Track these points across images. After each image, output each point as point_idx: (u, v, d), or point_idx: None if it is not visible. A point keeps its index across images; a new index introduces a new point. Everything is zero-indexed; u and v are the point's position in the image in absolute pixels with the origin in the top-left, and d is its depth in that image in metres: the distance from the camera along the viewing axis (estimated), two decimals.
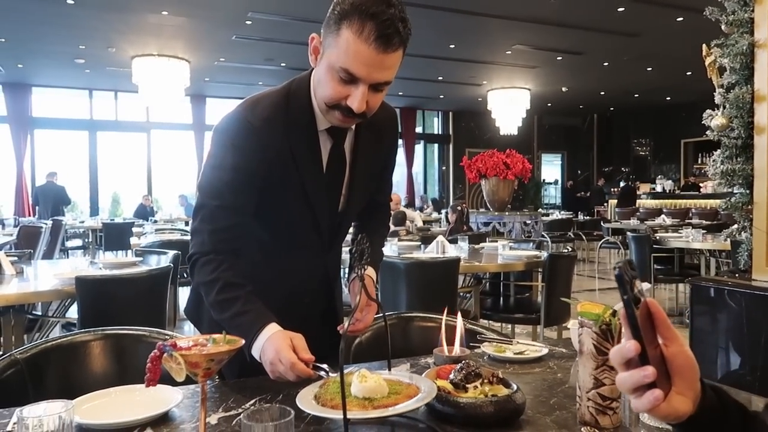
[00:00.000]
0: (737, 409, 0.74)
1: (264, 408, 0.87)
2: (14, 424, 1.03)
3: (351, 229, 1.63)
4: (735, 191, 2.41)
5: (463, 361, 1.19)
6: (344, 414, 0.87)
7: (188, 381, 1.01)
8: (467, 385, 1.12)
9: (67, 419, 0.89)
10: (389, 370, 1.16)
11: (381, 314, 1.31)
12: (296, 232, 1.40)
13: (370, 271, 1.43)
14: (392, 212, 8.23)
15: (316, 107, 1.31)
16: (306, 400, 0.99)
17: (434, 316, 1.79)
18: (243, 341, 0.96)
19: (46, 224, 7.08)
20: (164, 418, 1.10)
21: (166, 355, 0.80)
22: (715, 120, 2.36)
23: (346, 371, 1.00)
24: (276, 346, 1.16)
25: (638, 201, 13.37)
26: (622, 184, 15.34)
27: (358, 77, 1.18)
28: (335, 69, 1.18)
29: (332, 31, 1.18)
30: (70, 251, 8.93)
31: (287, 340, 1.17)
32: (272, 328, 1.20)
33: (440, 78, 12.01)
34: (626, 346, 0.67)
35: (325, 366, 1.13)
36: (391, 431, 1.06)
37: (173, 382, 1.12)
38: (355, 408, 0.94)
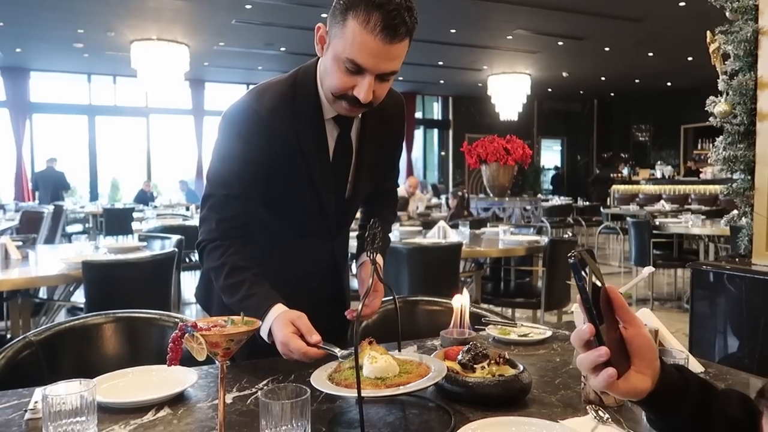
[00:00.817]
0: (698, 385, 0.78)
1: (280, 387, 0.90)
2: (36, 402, 1.06)
3: (358, 215, 1.65)
4: (736, 177, 2.43)
5: (471, 343, 1.22)
6: (358, 391, 0.90)
7: (206, 361, 1.04)
8: (475, 366, 1.15)
9: (89, 397, 0.92)
10: (399, 350, 1.18)
11: (390, 297, 1.33)
12: (304, 219, 1.42)
13: (377, 258, 1.46)
14: (410, 195, 8.24)
15: (323, 96, 1.32)
16: (320, 380, 1.02)
17: (440, 299, 1.82)
18: (260, 322, 0.99)
19: (47, 209, 7.10)
20: (180, 398, 1.13)
21: (188, 335, 0.83)
22: (718, 106, 2.37)
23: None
24: (281, 338, 1.17)
25: (638, 186, 13.37)
26: (625, 171, 15.33)
27: (365, 68, 1.18)
28: (341, 59, 1.19)
29: (338, 22, 1.18)
30: (71, 236, 8.95)
31: (290, 327, 1.17)
32: (277, 310, 1.22)
33: (440, 63, 11.96)
34: (582, 328, 0.73)
35: (333, 348, 1.14)
36: (402, 410, 1.09)
37: (188, 363, 1.15)
38: (368, 387, 0.97)
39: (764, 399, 0.61)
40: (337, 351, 1.12)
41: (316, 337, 1.16)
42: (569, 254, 0.73)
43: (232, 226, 1.31)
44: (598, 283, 0.74)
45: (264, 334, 1.22)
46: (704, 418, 0.76)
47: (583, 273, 0.73)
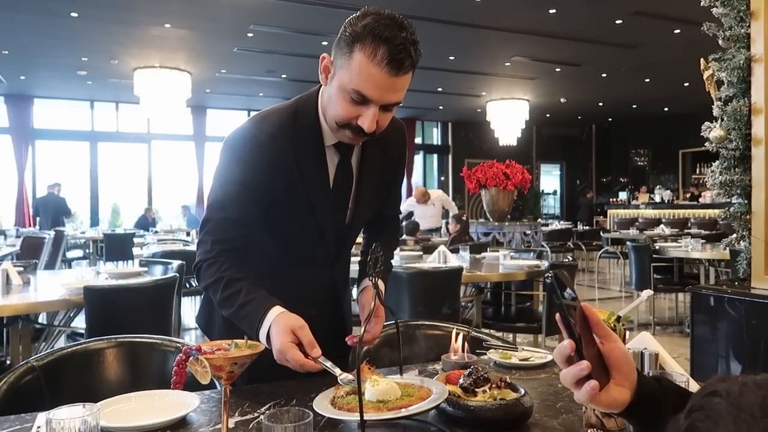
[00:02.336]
0: (676, 394, 0.81)
1: (283, 410, 0.91)
2: (39, 427, 1.06)
3: (359, 240, 1.66)
4: (733, 201, 2.45)
5: (472, 367, 1.23)
6: (361, 415, 0.90)
7: (208, 386, 1.05)
8: (476, 390, 1.16)
9: (93, 422, 0.93)
10: (401, 374, 1.19)
11: (392, 321, 1.33)
12: (303, 245, 1.43)
13: (379, 282, 1.46)
14: (417, 202, 8.20)
15: (324, 124, 1.34)
16: (322, 405, 1.03)
17: (440, 324, 1.83)
18: (264, 346, 1.00)
19: (48, 235, 7.11)
20: (183, 422, 1.13)
21: (192, 358, 0.84)
22: (713, 132, 2.40)
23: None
24: (278, 345, 1.15)
25: (637, 210, 13.41)
26: (623, 195, 15.38)
27: (370, 99, 1.21)
28: (347, 90, 1.21)
29: (344, 53, 1.20)
30: (71, 262, 8.94)
31: (290, 336, 1.16)
32: (275, 312, 1.22)
33: (440, 89, 12.08)
34: (563, 344, 0.76)
35: (333, 368, 1.14)
36: None
37: (191, 388, 1.15)
38: (370, 410, 0.97)
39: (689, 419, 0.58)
40: (338, 371, 1.12)
41: (317, 351, 1.16)
42: (546, 275, 0.76)
43: (228, 248, 1.33)
44: (575, 302, 0.78)
45: (262, 337, 1.21)
46: None
47: (560, 292, 0.77)
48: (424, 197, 8.36)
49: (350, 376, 1.10)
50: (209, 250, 1.33)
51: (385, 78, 1.18)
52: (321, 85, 1.37)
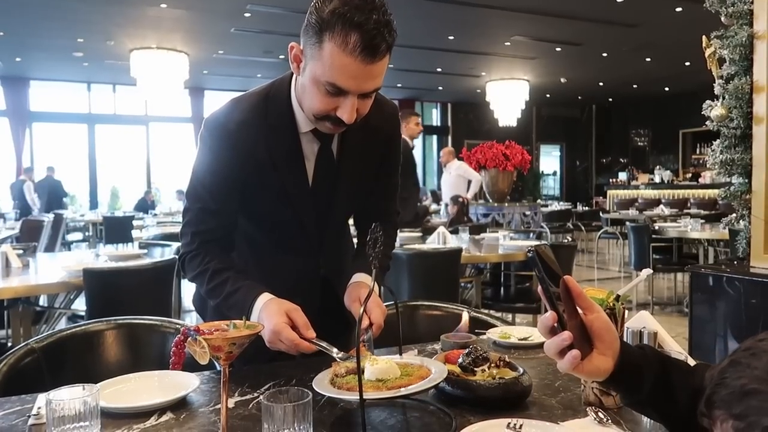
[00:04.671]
0: (658, 361, 0.83)
1: (282, 390, 0.91)
2: (39, 408, 1.06)
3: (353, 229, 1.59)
4: (734, 180, 2.44)
5: (471, 346, 1.23)
6: (360, 393, 0.91)
7: (207, 366, 1.05)
8: (475, 369, 1.16)
9: (93, 402, 0.93)
10: (400, 354, 1.19)
11: (392, 301, 1.33)
12: (283, 233, 1.40)
13: (367, 279, 1.37)
14: (448, 166, 7.75)
15: (297, 110, 1.29)
16: (322, 384, 1.03)
17: (440, 304, 1.83)
18: (262, 326, 1.00)
19: (47, 218, 7.11)
20: (182, 402, 1.13)
21: (190, 339, 0.84)
22: (714, 110, 2.38)
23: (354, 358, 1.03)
24: (272, 325, 1.14)
25: (637, 191, 13.39)
26: (623, 175, 15.36)
27: (347, 90, 1.14)
28: (321, 83, 1.14)
29: (313, 43, 1.12)
30: (71, 245, 8.95)
31: (283, 317, 1.16)
32: (264, 298, 1.21)
33: (439, 69, 12.00)
34: (546, 316, 0.78)
35: (330, 348, 1.13)
36: (403, 413, 1.10)
37: (191, 368, 1.15)
38: (369, 390, 0.97)
39: (713, 409, 0.60)
40: (334, 351, 1.12)
41: (311, 332, 1.15)
42: (528, 249, 0.78)
43: (208, 239, 1.32)
44: (559, 274, 0.80)
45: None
46: (667, 391, 0.81)
47: (541, 266, 0.78)
48: (447, 156, 7.80)
49: (345, 354, 1.10)
50: (190, 242, 1.32)
51: (360, 67, 1.10)
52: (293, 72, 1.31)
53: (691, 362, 1.24)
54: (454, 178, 7.63)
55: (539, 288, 0.79)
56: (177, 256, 3.19)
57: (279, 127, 1.30)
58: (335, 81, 1.12)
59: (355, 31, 1.07)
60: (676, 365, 0.84)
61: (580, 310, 0.81)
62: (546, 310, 0.79)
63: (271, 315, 1.17)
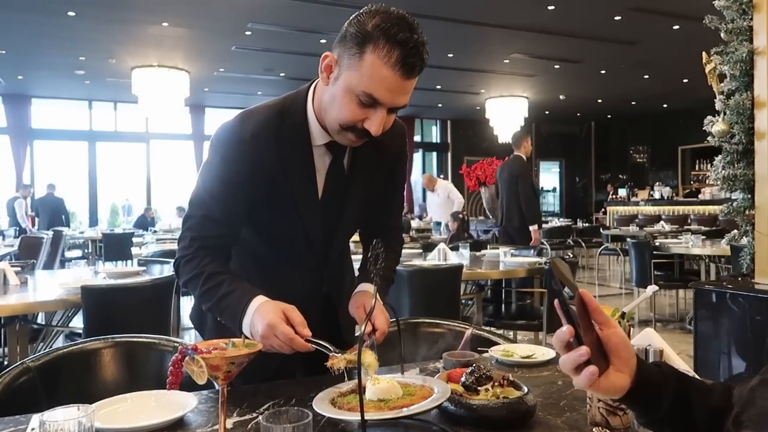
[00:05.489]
0: (676, 379, 0.80)
1: (282, 411, 0.89)
2: (32, 429, 1.04)
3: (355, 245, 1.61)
4: (736, 196, 2.43)
5: (474, 365, 1.20)
6: (362, 414, 0.88)
7: (205, 386, 1.03)
8: (479, 388, 1.14)
9: (87, 424, 0.90)
10: (402, 373, 1.17)
11: (393, 319, 1.31)
12: (288, 247, 1.39)
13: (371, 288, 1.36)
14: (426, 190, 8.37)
15: (312, 124, 1.30)
16: (322, 404, 1.01)
17: (441, 321, 1.81)
18: (261, 345, 0.98)
19: (47, 235, 7.09)
20: (180, 423, 1.11)
21: (188, 358, 0.82)
22: (716, 126, 2.38)
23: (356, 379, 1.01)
24: (268, 319, 1.14)
25: (637, 207, 13.39)
26: (622, 191, 15.39)
27: (381, 102, 1.18)
28: (356, 92, 1.17)
29: (353, 53, 1.16)
30: (70, 262, 8.92)
31: (279, 313, 1.15)
32: (259, 299, 1.19)
33: (438, 87, 12.06)
34: (562, 330, 0.76)
35: (324, 343, 1.11)
36: None
37: (187, 388, 1.13)
38: (371, 410, 0.95)
39: (741, 428, 0.59)
40: (331, 347, 1.09)
41: (307, 331, 1.13)
42: (545, 261, 0.75)
43: (209, 246, 1.29)
44: (571, 291, 0.78)
45: (246, 327, 1.18)
46: (685, 409, 0.78)
47: (557, 279, 0.76)
48: (430, 184, 8.43)
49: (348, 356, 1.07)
50: (188, 246, 1.30)
51: (397, 81, 1.15)
52: (311, 84, 1.33)
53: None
54: (444, 200, 8.11)
55: (555, 302, 0.77)
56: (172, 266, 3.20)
57: (293, 140, 1.30)
58: (372, 92, 1.16)
59: (398, 47, 1.13)
60: (694, 383, 0.81)
61: (595, 325, 0.78)
62: (558, 325, 0.77)
63: (267, 312, 1.15)
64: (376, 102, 1.17)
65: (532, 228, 5.83)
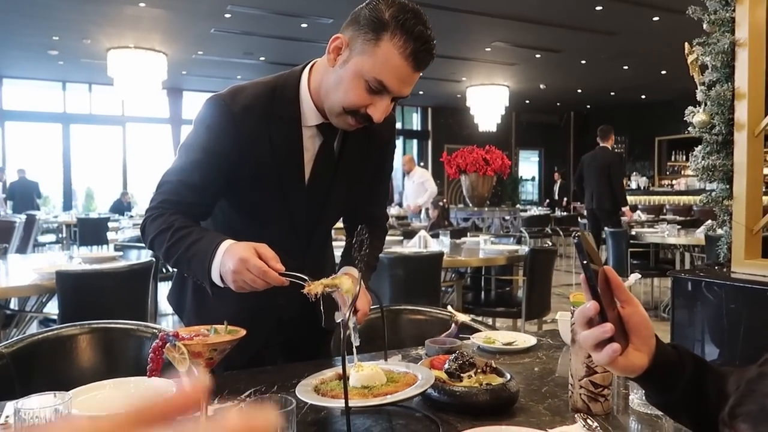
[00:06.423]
0: (693, 362, 0.80)
1: (265, 398, 0.87)
2: (7, 417, 1.01)
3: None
4: (714, 186, 2.46)
5: (457, 351, 1.20)
6: (346, 402, 0.88)
7: None
8: (462, 375, 1.14)
9: (64, 411, 0.88)
10: (385, 360, 1.16)
11: (376, 306, 1.30)
12: (272, 229, 1.36)
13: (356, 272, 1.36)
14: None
15: (305, 104, 1.29)
16: (305, 391, 1.00)
17: (423, 308, 1.81)
18: (244, 331, 0.96)
19: (19, 219, 6.94)
20: None
21: (169, 345, 0.80)
22: (696, 117, 2.40)
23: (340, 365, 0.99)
24: (240, 254, 1.10)
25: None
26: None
27: (390, 90, 1.20)
28: (366, 78, 1.18)
29: (368, 39, 1.17)
30: (43, 246, 8.75)
31: (251, 249, 1.12)
32: (229, 242, 1.16)
33: (420, 73, 12.01)
34: (587, 306, 0.74)
35: (298, 274, 1.09)
36: (389, 420, 1.07)
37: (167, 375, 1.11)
38: (354, 397, 0.94)
39: (737, 421, 0.58)
40: (306, 278, 1.07)
41: (280, 266, 1.11)
42: (573, 234, 0.74)
43: (179, 211, 1.25)
44: (596, 265, 0.76)
45: (215, 272, 1.14)
46: (699, 393, 0.78)
47: (585, 253, 0.75)
48: (409, 165, 8.45)
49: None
50: (157, 206, 1.26)
51: (408, 72, 1.19)
52: (307, 64, 1.32)
53: None
54: (417, 186, 8.17)
55: (581, 276, 0.76)
56: (152, 259, 3.15)
57: (283, 118, 1.29)
58: (383, 78, 1.18)
59: (414, 40, 1.16)
60: (711, 368, 0.81)
61: (617, 303, 0.78)
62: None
63: (239, 249, 1.12)
64: (384, 89, 1.19)
65: (625, 208, 7.01)
